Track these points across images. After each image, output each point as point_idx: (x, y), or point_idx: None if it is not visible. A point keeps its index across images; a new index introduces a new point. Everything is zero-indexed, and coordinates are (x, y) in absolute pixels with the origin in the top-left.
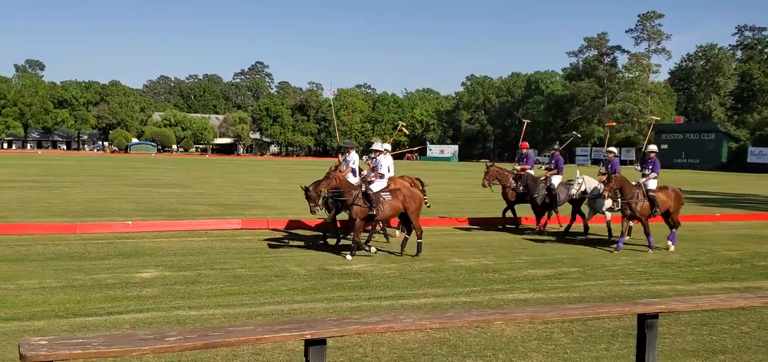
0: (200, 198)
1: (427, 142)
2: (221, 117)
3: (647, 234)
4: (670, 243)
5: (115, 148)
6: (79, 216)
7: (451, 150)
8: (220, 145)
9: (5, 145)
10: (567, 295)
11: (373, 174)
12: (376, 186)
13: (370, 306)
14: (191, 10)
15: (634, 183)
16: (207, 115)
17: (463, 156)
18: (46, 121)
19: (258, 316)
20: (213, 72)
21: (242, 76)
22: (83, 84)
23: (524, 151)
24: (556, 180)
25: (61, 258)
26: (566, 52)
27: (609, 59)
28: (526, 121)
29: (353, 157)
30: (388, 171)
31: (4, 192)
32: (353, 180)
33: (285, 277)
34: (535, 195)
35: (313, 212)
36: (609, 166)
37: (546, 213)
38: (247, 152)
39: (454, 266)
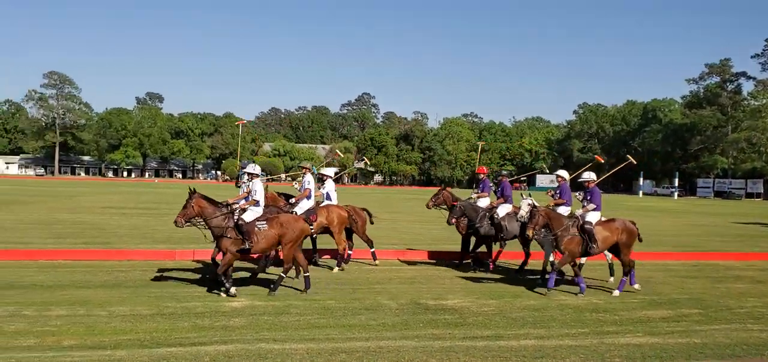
0: None
1: (537, 172)
2: (327, 147)
3: (554, 270)
4: (616, 290)
5: (227, 177)
6: (180, 244)
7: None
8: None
9: (125, 173)
10: (687, 341)
11: (245, 202)
12: (250, 215)
13: (463, 346)
14: (302, 45)
15: (567, 214)
16: (314, 145)
17: (575, 186)
18: (164, 151)
19: (342, 353)
20: (321, 103)
21: (349, 107)
22: (199, 116)
23: (481, 176)
24: (501, 209)
25: (156, 285)
26: (685, 79)
27: (733, 86)
28: (480, 143)
29: (309, 178)
30: (327, 198)
31: (115, 219)
32: (310, 202)
33: (376, 311)
34: (476, 225)
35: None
36: (556, 192)
37: (497, 247)
38: (351, 181)
39: (560, 304)
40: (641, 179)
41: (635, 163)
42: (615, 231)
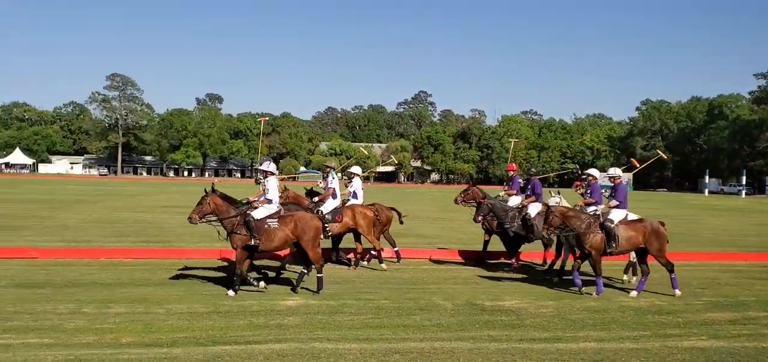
0: None
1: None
2: (383, 145)
3: (596, 273)
4: (634, 291)
5: (285, 177)
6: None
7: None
8: (382, 173)
9: (186, 173)
10: (754, 345)
11: (260, 199)
12: (260, 213)
13: (520, 349)
14: (359, 45)
15: (590, 211)
16: (370, 144)
17: (638, 184)
18: (223, 151)
19: (396, 354)
20: (377, 102)
21: (405, 106)
22: (257, 115)
23: (511, 173)
24: (533, 208)
25: (213, 283)
26: (753, 75)
27: None
28: (513, 140)
29: (334, 178)
30: (354, 196)
31: (175, 218)
32: (336, 202)
33: (430, 311)
34: (505, 226)
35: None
36: (586, 192)
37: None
38: (407, 180)
39: (620, 306)
40: (707, 177)
41: (666, 157)
42: (641, 232)
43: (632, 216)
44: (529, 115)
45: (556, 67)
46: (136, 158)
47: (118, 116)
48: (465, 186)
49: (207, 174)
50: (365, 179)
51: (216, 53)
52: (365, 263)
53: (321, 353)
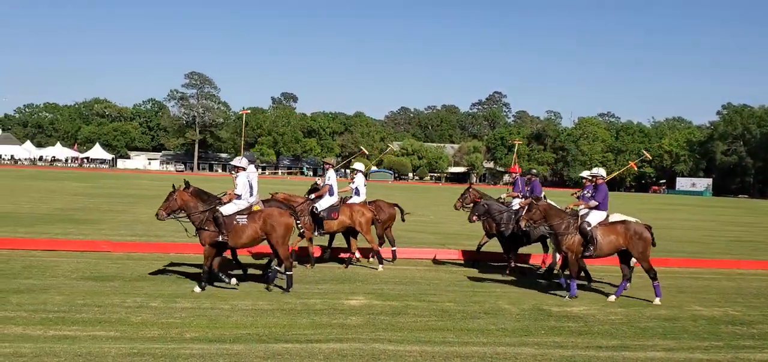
0: (422, 226)
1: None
2: (456, 146)
3: (570, 276)
4: (656, 299)
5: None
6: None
7: (703, 183)
8: (454, 173)
9: (259, 171)
10: None
11: (226, 195)
12: (229, 209)
13: (585, 356)
14: (433, 45)
15: (569, 211)
16: (442, 145)
17: (718, 190)
18: (296, 149)
19: (457, 358)
20: (451, 103)
21: (479, 106)
22: (330, 115)
23: (514, 175)
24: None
25: (277, 281)
26: None
27: None
28: (516, 141)
29: (331, 174)
30: (356, 193)
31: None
32: (332, 198)
33: (495, 315)
34: (501, 228)
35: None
36: (584, 194)
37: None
38: (480, 181)
39: (693, 315)
40: None
41: (650, 157)
42: (622, 235)
43: (617, 218)
44: (607, 118)
45: (635, 69)
46: (212, 155)
47: (196, 114)
48: (465, 186)
49: (280, 172)
50: (366, 175)
51: (292, 53)
52: (356, 261)
53: (381, 354)
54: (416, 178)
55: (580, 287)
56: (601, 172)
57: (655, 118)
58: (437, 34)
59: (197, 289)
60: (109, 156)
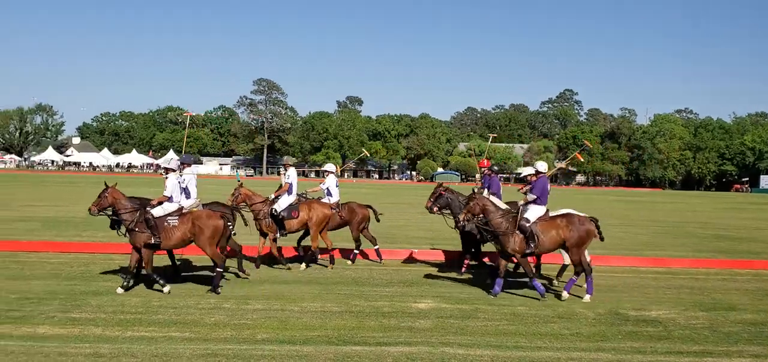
0: None
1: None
2: (525, 146)
3: (529, 276)
4: (565, 292)
5: (422, 177)
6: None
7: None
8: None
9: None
10: None
11: (155, 199)
12: (159, 210)
13: None
14: (500, 43)
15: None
16: (511, 145)
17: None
18: (361, 152)
19: None
20: (519, 101)
21: (549, 105)
22: (395, 117)
23: (484, 170)
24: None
25: (346, 283)
26: None
27: None
28: (491, 135)
29: (291, 172)
30: (328, 194)
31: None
32: (291, 198)
33: (570, 319)
34: (459, 223)
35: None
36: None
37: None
38: (551, 182)
39: None
40: None
41: (591, 145)
42: (563, 229)
43: (559, 212)
44: (684, 114)
45: (715, 63)
46: (280, 159)
47: (264, 119)
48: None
49: (346, 175)
50: (340, 175)
51: (357, 56)
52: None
53: (451, 358)
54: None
55: (660, 288)
56: (540, 166)
57: (736, 113)
58: (504, 32)
59: (119, 290)
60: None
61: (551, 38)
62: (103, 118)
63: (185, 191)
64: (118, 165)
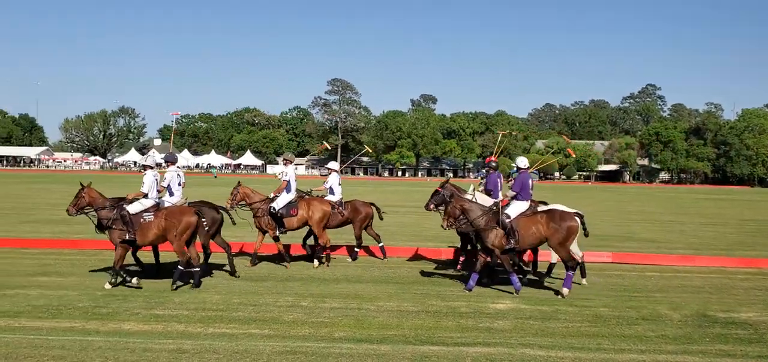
0: None
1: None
2: (606, 143)
3: (509, 271)
4: (565, 289)
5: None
6: (437, 241)
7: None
8: (604, 172)
9: (399, 173)
10: None
11: (131, 194)
12: (135, 207)
13: None
14: (580, 37)
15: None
16: (591, 142)
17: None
18: (436, 151)
19: None
20: (600, 97)
21: (631, 100)
22: (470, 115)
23: (493, 164)
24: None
25: (422, 283)
26: None
27: None
28: (500, 132)
29: (290, 170)
30: (331, 192)
31: (389, 217)
32: (289, 195)
33: (654, 321)
34: (444, 228)
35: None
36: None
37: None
38: (633, 179)
39: None
40: None
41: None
42: (543, 225)
43: (544, 208)
44: None
45: None
46: (354, 159)
47: (338, 119)
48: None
49: (420, 174)
50: (342, 172)
51: (431, 54)
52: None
53: (531, 360)
54: (563, 177)
55: (751, 289)
56: (521, 161)
57: None
58: (583, 26)
59: (107, 285)
60: (259, 162)
61: (632, 32)
62: (183, 120)
63: (168, 189)
64: (197, 165)
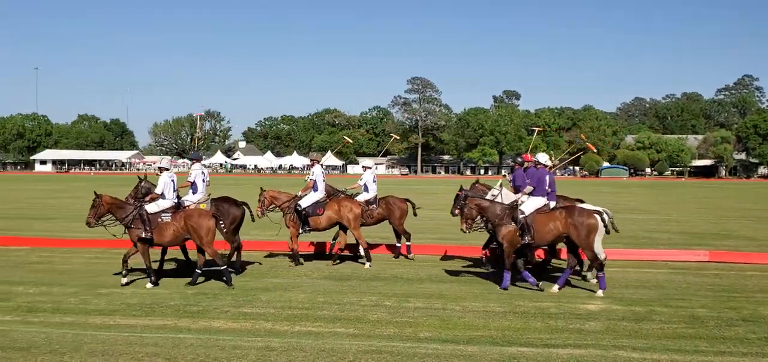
0: (665, 226)
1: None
2: (700, 137)
3: (505, 267)
4: (555, 286)
5: (586, 173)
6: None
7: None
8: (699, 167)
9: (482, 171)
10: None
11: (149, 196)
12: (153, 207)
13: None
14: (671, 27)
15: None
16: (684, 136)
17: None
18: (519, 148)
19: None
20: (692, 90)
21: (726, 92)
22: (556, 110)
23: (526, 164)
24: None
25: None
26: None
27: None
28: (536, 129)
29: (316, 170)
30: (365, 189)
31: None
32: (316, 195)
33: (756, 323)
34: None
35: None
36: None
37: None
38: (730, 175)
39: None
40: None
41: (590, 146)
42: (561, 222)
43: (568, 205)
44: None
45: None
46: (434, 157)
47: (418, 118)
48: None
49: (502, 172)
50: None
51: (513, 49)
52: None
53: None
54: (655, 173)
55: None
56: (541, 157)
57: None
58: (673, 17)
59: (148, 285)
60: (339, 162)
61: (727, 21)
62: (266, 122)
63: (192, 186)
64: (280, 167)
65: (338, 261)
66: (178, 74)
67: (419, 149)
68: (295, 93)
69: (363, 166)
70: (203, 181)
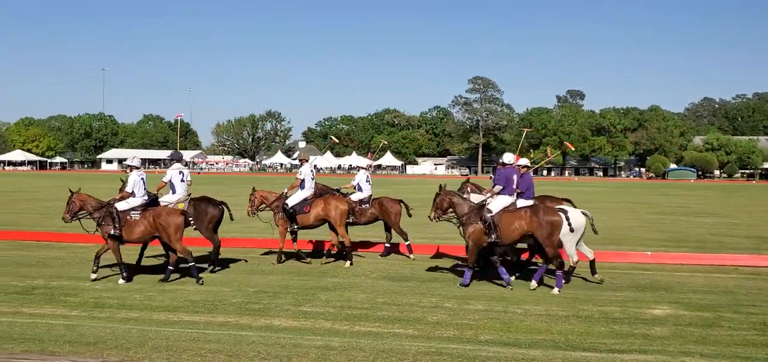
0: (735, 230)
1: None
2: None
3: (468, 264)
4: (533, 282)
5: (652, 174)
6: (599, 244)
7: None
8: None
9: (545, 172)
10: None
11: (119, 194)
12: (123, 205)
13: None
14: (739, 25)
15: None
16: (755, 138)
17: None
18: (584, 149)
19: None
20: (764, 90)
21: None
22: (621, 111)
23: (521, 163)
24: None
25: (571, 286)
26: None
27: None
28: (524, 129)
29: (304, 168)
30: (359, 189)
31: None
32: (303, 192)
33: None
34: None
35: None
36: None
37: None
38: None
39: None
40: None
41: (573, 148)
42: (526, 220)
43: (533, 203)
44: None
45: None
46: (495, 158)
47: (479, 118)
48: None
49: (566, 173)
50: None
51: (576, 48)
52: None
53: None
54: (724, 175)
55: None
56: (505, 157)
57: None
58: (743, 15)
59: (120, 281)
60: (399, 162)
61: None
62: (326, 123)
63: (170, 185)
64: (339, 167)
65: (333, 258)
66: (239, 75)
67: (480, 149)
68: (355, 93)
69: (356, 167)
70: (182, 180)
